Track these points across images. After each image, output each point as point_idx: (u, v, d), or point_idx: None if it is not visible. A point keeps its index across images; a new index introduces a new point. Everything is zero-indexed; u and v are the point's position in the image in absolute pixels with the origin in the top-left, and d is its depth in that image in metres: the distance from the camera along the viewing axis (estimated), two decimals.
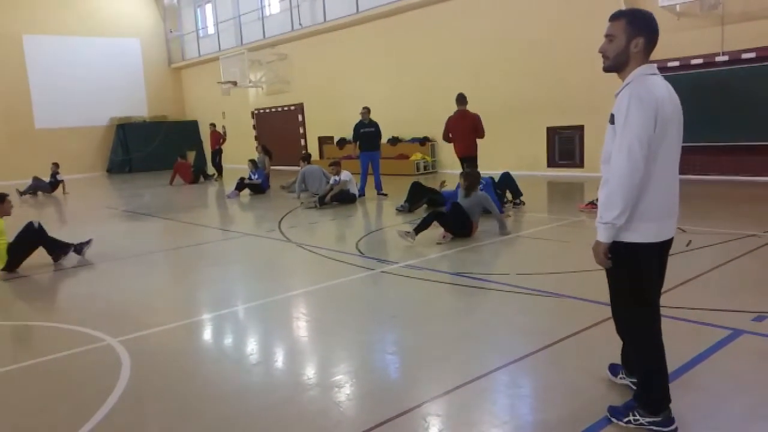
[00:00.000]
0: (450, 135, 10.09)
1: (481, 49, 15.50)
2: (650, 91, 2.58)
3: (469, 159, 9.83)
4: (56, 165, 18.10)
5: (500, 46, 15.08)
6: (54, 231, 11.35)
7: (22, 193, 17.16)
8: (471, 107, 10.32)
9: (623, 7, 2.79)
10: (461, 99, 10.06)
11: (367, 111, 12.29)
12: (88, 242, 7.88)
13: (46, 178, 17.82)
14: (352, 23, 18.80)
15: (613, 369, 3.31)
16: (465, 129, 9.85)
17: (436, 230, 7.84)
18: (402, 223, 9.24)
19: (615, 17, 2.74)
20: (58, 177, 17.83)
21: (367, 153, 12.27)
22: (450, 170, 15.85)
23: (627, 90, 2.62)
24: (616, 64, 2.73)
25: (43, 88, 24.42)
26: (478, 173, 8.10)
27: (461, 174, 8.07)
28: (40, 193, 17.52)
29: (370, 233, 8.74)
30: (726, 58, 11.48)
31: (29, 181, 17.80)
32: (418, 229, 7.41)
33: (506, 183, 9.80)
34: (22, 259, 7.36)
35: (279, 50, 21.95)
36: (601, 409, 3.00)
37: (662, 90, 2.63)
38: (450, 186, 10.19)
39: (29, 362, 4.25)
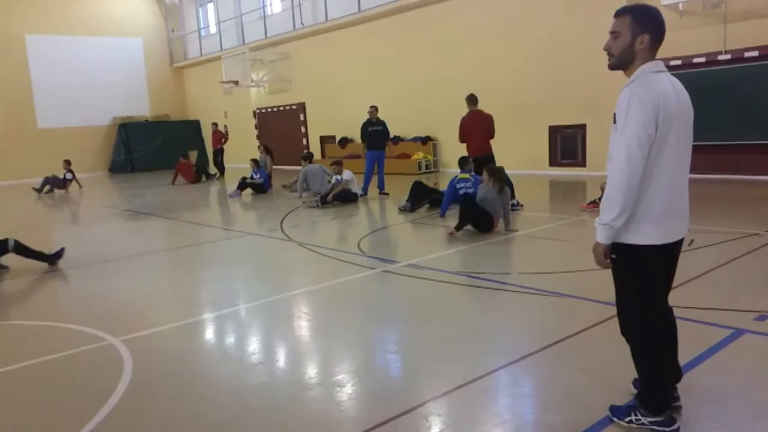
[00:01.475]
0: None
1: (483, 48, 15.49)
2: (652, 90, 2.52)
3: (485, 159, 9.84)
4: (68, 162, 18.40)
5: (502, 44, 15.08)
6: (56, 231, 11.42)
7: (40, 191, 17.58)
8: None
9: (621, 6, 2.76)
10: (473, 100, 10.06)
11: (374, 110, 12.25)
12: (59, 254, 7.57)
13: (60, 176, 18.16)
14: (353, 22, 18.80)
15: (637, 384, 3.15)
16: (480, 129, 9.88)
17: (435, 229, 7.84)
18: (404, 222, 9.24)
19: (620, 13, 2.67)
20: (67, 175, 18.08)
21: (374, 152, 12.24)
22: (453, 169, 15.85)
23: (628, 89, 2.57)
24: (621, 62, 2.67)
25: (45, 87, 24.49)
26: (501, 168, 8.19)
27: (488, 172, 8.04)
28: (47, 188, 17.82)
29: (372, 233, 8.74)
30: (728, 56, 11.45)
31: (40, 179, 18.12)
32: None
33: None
34: None
35: (281, 49, 21.98)
36: (602, 408, 2.99)
37: (666, 88, 2.57)
38: (442, 185, 10.21)
39: (31, 361, 4.25)
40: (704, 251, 6.15)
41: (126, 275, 6.97)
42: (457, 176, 9.27)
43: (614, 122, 2.60)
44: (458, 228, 7.65)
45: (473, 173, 9.25)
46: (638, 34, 2.60)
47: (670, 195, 2.62)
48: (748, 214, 8.39)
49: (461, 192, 8.99)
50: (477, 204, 7.86)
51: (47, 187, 17.75)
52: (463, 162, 9.41)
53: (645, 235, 2.62)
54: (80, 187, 18.23)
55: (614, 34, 2.67)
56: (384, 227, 9.28)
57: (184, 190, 16.89)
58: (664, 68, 2.66)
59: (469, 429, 3.01)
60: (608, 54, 2.71)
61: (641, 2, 2.72)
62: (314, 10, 20.33)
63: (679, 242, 2.77)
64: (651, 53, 2.64)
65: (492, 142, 10.05)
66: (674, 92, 2.60)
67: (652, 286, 2.72)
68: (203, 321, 5.10)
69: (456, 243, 7.45)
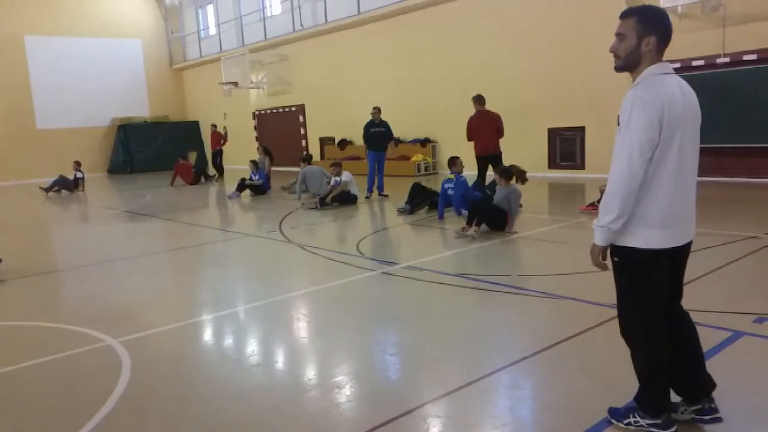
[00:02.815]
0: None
1: (482, 50, 15.50)
2: (656, 93, 2.49)
3: (493, 158, 10.00)
4: (78, 163, 18.52)
5: (502, 47, 15.09)
6: (54, 232, 11.41)
7: (48, 190, 17.65)
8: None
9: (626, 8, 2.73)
10: (480, 100, 10.19)
11: (377, 111, 12.29)
12: None
13: (69, 177, 18.21)
14: (353, 24, 18.82)
15: (674, 407, 2.94)
16: (488, 128, 10.04)
17: (434, 231, 7.83)
18: (403, 224, 9.24)
19: (625, 15, 2.64)
20: (78, 175, 18.23)
21: (375, 153, 12.28)
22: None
23: (632, 92, 2.55)
24: (628, 64, 2.64)
25: (44, 88, 24.47)
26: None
27: (498, 173, 8.19)
28: (63, 191, 17.88)
29: (371, 234, 8.74)
30: (727, 59, 11.47)
31: (38, 180, 18.16)
32: (470, 222, 7.77)
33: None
34: None
35: (280, 51, 21.98)
36: (601, 410, 2.99)
37: (672, 90, 2.54)
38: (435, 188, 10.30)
39: (30, 362, 4.24)
40: (703, 254, 6.15)
41: (125, 276, 6.96)
42: (447, 177, 9.43)
43: (618, 124, 2.58)
44: (477, 225, 7.69)
45: (458, 174, 9.25)
46: (644, 36, 2.57)
47: (672, 198, 2.58)
48: (746, 216, 8.40)
49: (449, 192, 9.11)
50: (481, 203, 7.91)
51: (56, 188, 17.76)
52: (450, 162, 9.47)
53: (645, 238, 2.60)
54: (83, 189, 18.19)
55: (620, 35, 2.63)
56: (383, 229, 9.28)
57: (183, 192, 16.89)
58: (671, 70, 2.63)
59: (468, 431, 3.01)
60: (614, 56, 2.67)
61: (647, 3, 2.68)
62: (314, 12, 20.34)
63: (684, 247, 2.72)
64: (658, 55, 2.61)
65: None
66: (681, 95, 2.56)
67: (652, 290, 2.69)
68: (202, 322, 5.10)
69: (455, 245, 7.46)
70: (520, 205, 9.60)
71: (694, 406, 2.84)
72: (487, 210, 7.86)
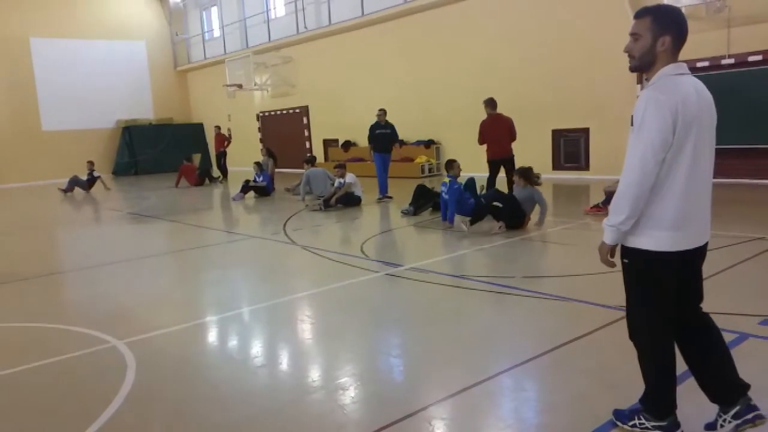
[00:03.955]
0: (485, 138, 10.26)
1: (486, 51, 15.50)
2: (671, 94, 2.48)
3: (506, 161, 10.07)
4: (91, 163, 18.80)
5: (506, 48, 15.08)
6: (59, 233, 11.45)
7: (65, 190, 17.94)
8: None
9: (628, 10, 2.71)
10: (493, 103, 10.22)
11: (383, 113, 12.28)
12: None
13: (82, 177, 18.39)
14: (357, 26, 18.84)
15: (710, 425, 2.81)
16: (501, 132, 10.08)
17: (437, 232, 7.82)
18: (407, 225, 9.24)
19: (640, 15, 2.61)
20: (95, 174, 18.44)
21: (380, 154, 12.28)
22: None
23: (646, 92, 2.53)
24: (643, 64, 2.62)
25: (49, 90, 24.56)
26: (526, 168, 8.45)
27: (518, 175, 8.42)
28: (76, 189, 18.13)
29: (375, 236, 8.74)
30: (732, 60, 11.44)
31: (43, 182, 18.27)
32: (473, 222, 8.17)
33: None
34: None
35: (284, 53, 22.02)
36: (606, 412, 2.98)
37: (687, 91, 2.52)
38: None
39: (35, 363, 4.25)
40: (709, 255, 6.10)
41: (129, 278, 6.98)
42: (443, 180, 9.46)
43: (632, 124, 2.56)
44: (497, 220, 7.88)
45: (454, 178, 9.19)
46: (659, 36, 2.55)
47: (684, 201, 2.56)
48: (752, 218, 8.37)
49: (444, 196, 9.06)
50: (506, 199, 8.14)
51: (71, 188, 17.93)
52: (447, 165, 9.45)
53: (655, 240, 2.58)
54: (88, 191, 18.29)
55: (634, 36, 2.60)
56: (387, 230, 9.27)
57: (187, 193, 16.92)
58: (687, 71, 2.60)
59: None
60: (629, 56, 2.65)
61: (660, 3, 2.67)
62: (318, 14, 20.37)
63: (697, 250, 2.69)
64: (673, 55, 2.58)
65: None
66: (695, 95, 2.54)
67: (661, 293, 2.66)
68: (207, 324, 5.10)
69: (459, 247, 7.45)
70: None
71: (733, 409, 2.73)
72: (509, 207, 7.92)
